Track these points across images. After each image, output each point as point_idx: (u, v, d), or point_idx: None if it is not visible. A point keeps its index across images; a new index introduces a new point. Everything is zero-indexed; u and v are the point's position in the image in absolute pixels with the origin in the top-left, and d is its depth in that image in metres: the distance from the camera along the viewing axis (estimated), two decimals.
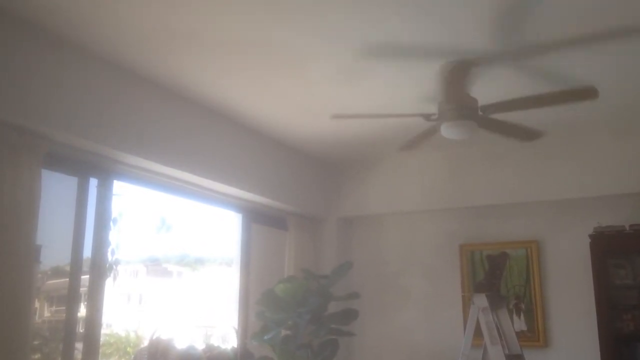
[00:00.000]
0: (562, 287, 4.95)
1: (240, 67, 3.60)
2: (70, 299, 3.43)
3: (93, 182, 3.62)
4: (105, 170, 3.67)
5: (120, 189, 3.84)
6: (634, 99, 4.07)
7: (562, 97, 3.32)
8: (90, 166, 3.59)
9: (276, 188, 4.99)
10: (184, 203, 4.53)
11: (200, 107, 4.19)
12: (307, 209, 5.45)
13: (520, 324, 5.02)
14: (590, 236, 4.64)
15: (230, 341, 4.88)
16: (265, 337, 4.45)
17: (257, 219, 5.11)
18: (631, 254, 4.64)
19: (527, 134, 3.77)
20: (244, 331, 4.78)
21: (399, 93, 3.92)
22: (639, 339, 4.47)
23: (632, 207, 4.76)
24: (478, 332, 4.14)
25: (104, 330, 4.32)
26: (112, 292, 3.76)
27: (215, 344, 4.52)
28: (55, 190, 3.44)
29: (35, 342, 3.57)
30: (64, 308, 3.46)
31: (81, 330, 3.52)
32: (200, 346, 4.29)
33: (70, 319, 3.43)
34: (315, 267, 5.40)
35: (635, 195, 4.71)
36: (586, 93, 3.24)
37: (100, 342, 3.68)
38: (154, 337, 3.93)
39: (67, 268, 3.47)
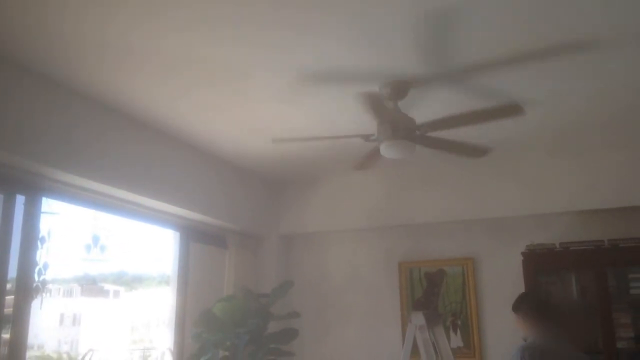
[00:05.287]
0: (497, 303, 5.05)
1: (178, 83, 3.54)
2: None
3: (20, 199, 3.48)
4: (33, 187, 3.53)
5: (50, 206, 3.70)
6: (566, 119, 4.17)
7: (489, 114, 3.43)
8: (17, 182, 3.44)
9: (215, 205, 4.92)
10: (118, 221, 4.40)
11: (134, 122, 4.08)
12: (248, 227, 5.39)
13: (456, 340, 5.10)
14: (523, 254, 4.77)
15: None
16: (203, 359, 4.35)
17: (195, 237, 5.02)
18: (561, 271, 4.80)
19: (473, 151, 3.88)
20: (181, 353, 4.66)
21: (342, 112, 3.94)
22: None
23: (562, 226, 4.94)
24: (416, 350, 4.17)
25: (34, 352, 4.13)
26: (42, 312, 3.61)
27: None
28: None
29: None
30: None
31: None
32: None
33: None
34: (255, 285, 5.34)
35: (565, 214, 4.89)
36: (511, 109, 3.38)
37: None
38: None
39: None
